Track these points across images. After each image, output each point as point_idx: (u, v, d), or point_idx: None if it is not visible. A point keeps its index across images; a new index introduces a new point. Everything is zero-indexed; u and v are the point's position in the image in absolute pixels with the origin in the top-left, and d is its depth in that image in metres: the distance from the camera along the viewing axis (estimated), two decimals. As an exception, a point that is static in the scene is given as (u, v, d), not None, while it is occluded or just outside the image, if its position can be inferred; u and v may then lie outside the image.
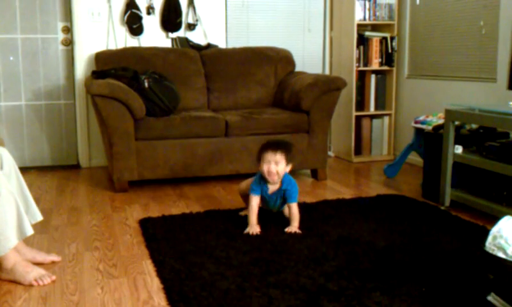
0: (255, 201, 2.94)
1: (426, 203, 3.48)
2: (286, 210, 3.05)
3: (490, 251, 1.99)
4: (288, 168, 2.96)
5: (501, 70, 3.81)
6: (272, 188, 2.97)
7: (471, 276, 2.30)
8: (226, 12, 4.89)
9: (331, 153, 5.23)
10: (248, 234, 2.83)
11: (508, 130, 3.22)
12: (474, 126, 3.53)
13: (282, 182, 2.95)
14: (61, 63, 4.66)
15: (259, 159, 2.95)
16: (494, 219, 2.29)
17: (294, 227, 2.90)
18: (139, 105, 3.72)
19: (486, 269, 2.04)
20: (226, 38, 4.93)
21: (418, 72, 4.75)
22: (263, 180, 2.96)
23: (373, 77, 5.00)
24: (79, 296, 2.20)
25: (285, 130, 4.04)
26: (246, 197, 3.09)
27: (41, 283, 2.30)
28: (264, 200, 3.01)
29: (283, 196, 2.96)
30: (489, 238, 2.02)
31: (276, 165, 2.88)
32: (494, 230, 2.02)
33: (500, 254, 1.96)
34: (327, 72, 5.23)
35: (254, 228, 2.87)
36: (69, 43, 4.62)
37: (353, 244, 2.70)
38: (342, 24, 4.97)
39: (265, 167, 2.89)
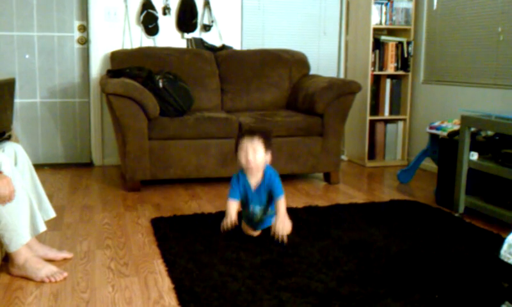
0: (233, 206, 2.74)
1: (440, 210, 3.45)
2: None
3: (505, 259, 1.96)
4: (268, 157, 2.77)
5: (518, 76, 3.77)
6: (254, 181, 2.78)
7: (485, 284, 2.28)
8: (241, 14, 4.89)
9: (344, 157, 5.20)
10: (224, 231, 2.71)
11: (525, 137, 3.18)
12: (490, 133, 3.49)
13: (264, 173, 2.76)
14: (77, 62, 4.68)
15: (236, 149, 2.77)
16: (509, 227, 2.27)
17: (278, 222, 2.66)
18: (153, 104, 3.73)
19: (500, 277, 2.01)
20: (242, 39, 4.92)
21: (434, 77, 4.72)
22: (242, 174, 2.79)
23: (388, 82, 4.97)
24: (89, 294, 2.21)
25: (298, 133, 4.03)
26: None
27: (52, 279, 2.31)
28: (248, 200, 2.80)
29: (268, 191, 2.75)
30: (505, 246, 1.99)
31: (254, 153, 2.70)
32: (509, 238, 1.99)
33: (516, 263, 1.93)
34: (342, 76, 5.21)
35: (229, 217, 2.70)
36: (85, 41, 4.65)
37: (365, 249, 2.68)
38: (358, 28, 4.95)
39: (242, 156, 2.72)
